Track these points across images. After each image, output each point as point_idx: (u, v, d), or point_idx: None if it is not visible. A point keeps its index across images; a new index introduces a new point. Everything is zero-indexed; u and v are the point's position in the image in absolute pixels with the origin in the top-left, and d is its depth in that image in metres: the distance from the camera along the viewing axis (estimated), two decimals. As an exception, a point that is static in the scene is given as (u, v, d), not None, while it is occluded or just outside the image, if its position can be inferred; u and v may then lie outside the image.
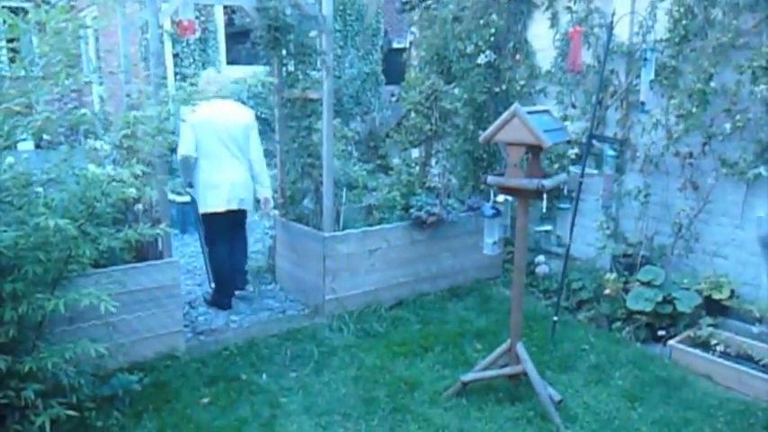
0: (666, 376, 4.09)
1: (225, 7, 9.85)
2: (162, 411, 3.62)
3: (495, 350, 3.85)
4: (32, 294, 3.08)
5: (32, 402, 3.02)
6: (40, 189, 3.37)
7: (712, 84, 4.52)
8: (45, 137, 5.22)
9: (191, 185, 5.15)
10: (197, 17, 8.57)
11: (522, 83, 5.98)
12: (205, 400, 3.77)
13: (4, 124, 3.13)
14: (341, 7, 10.53)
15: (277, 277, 5.68)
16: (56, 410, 3.08)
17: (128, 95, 4.51)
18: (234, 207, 4.92)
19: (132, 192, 3.35)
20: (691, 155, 4.75)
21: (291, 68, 5.15)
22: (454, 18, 6.23)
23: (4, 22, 3.19)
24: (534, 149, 3.54)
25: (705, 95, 4.56)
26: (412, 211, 5.22)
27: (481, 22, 6.02)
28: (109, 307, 3.10)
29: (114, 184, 3.26)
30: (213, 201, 4.89)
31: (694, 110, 4.62)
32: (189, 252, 6.70)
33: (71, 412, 3.14)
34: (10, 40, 3.37)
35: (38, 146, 6.77)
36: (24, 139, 3.50)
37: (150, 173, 3.79)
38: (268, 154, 5.30)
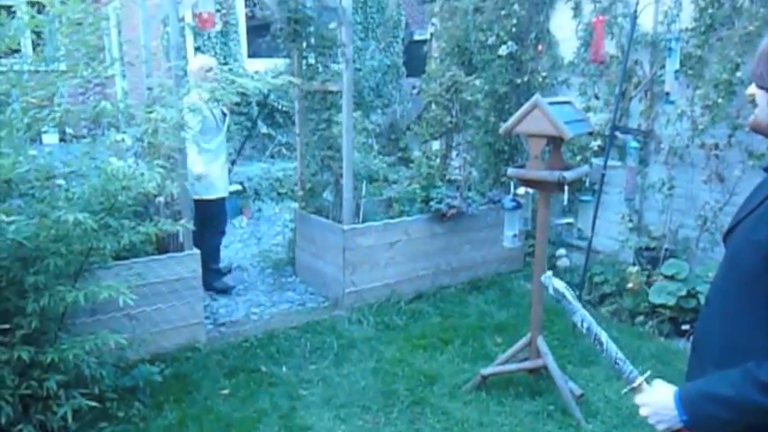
0: (690, 371, 4.02)
1: (246, -1, 9.87)
2: (182, 402, 3.66)
3: (516, 344, 3.83)
4: (54, 286, 3.11)
5: (55, 393, 3.07)
6: (61, 182, 3.40)
7: (738, 74, 4.42)
8: (68, 130, 5.28)
9: None
10: (218, 10, 8.58)
11: (544, 74, 5.91)
12: (225, 392, 3.80)
13: (24, 117, 3.16)
14: (361, -1, 10.47)
15: (297, 270, 5.69)
16: (78, 401, 3.14)
17: (149, 89, 4.52)
18: None
19: (153, 185, 3.37)
20: (716, 146, 4.66)
21: (312, 61, 5.15)
22: (475, 9, 6.16)
23: (31, 16, 3.21)
24: (555, 141, 3.49)
25: (731, 86, 4.47)
26: (432, 203, 5.19)
27: (503, 12, 5.95)
28: (127, 300, 3.13)
29: (135, 179, 3.28)
30: None
31: (720, 100, 4.53)
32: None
33: (93, 403, 3.20)
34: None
35: (62, 139, 6.85)
36: (46, 132, 3.54)
37: (171, 167, 3.81)
38: (289, 146, 5.29)
